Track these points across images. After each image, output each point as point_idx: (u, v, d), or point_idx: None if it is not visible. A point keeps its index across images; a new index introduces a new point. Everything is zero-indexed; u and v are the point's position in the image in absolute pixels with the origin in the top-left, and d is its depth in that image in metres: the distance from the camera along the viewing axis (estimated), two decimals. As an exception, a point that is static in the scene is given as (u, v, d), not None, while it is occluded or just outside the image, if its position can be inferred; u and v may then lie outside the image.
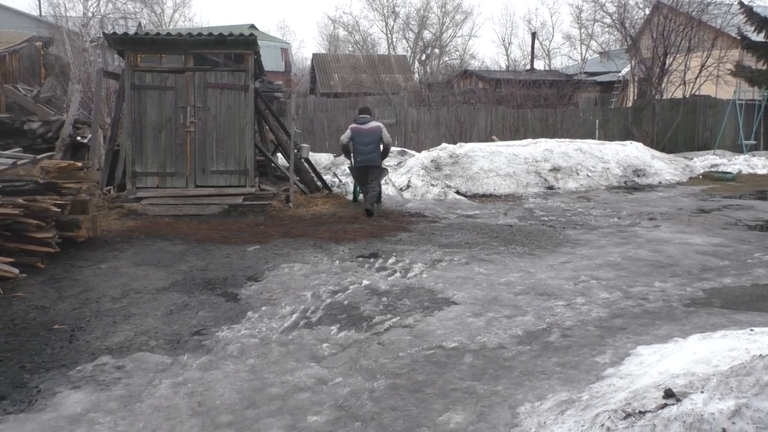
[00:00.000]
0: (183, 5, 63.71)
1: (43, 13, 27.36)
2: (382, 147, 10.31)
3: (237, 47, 10.57)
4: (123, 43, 10.28)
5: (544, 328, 4.86)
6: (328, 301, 5.56)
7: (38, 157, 7.24)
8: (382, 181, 11.67)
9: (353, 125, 10.30)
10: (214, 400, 3.70)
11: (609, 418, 2.71)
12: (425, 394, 3.77)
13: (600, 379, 3.84)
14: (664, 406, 2.65)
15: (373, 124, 10.27)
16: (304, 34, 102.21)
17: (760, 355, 2.71)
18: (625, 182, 14.08)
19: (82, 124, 12.45)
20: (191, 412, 3.57)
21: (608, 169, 14.25)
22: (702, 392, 2.55)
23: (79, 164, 7.74)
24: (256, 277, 6.34)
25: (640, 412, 2.65)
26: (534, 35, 39.82)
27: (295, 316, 5.17)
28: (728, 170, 15.94)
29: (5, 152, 7.40)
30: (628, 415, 2.67)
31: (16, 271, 5.91)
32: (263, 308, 5.36)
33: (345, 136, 10.38)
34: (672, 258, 7.13)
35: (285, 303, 5.50)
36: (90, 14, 22.41)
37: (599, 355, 4.29)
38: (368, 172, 10.25)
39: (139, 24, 27.97)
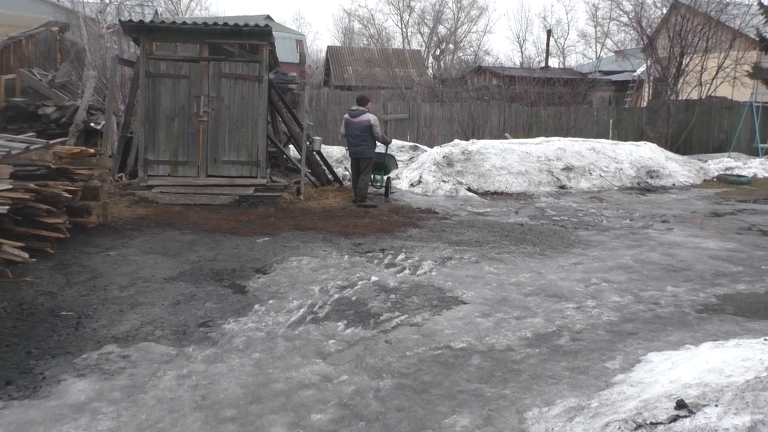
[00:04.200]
0: (200, -6, 63.77)
1: (60, -1, 27.38)
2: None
3: (252, 38, 10.51)
4: (138, 31, 10.24)
5: (554, 331, 4.78)
6: (336, 296, 5.51)
7: (51, 142, 7.22)
8: (392, 175, 11.61)
9: (346, 116, 10.42)
10: (218, 394, 3.66)
11: (619, 428, 2.64)
12: (431, 395, 3.72)
13: (610, 385, 3.77)
14: (676, 418, 2.57)
15: (364, 117, 10.17)
16: (319, 27, 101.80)
17: (778, 368, 2.63)
18: (638, 183, 13.93)
19: (96, 110, 12.47)
20: (194, 405, 3.53)
21: (621, 169, 14.09)
22: (716, 405, 2.47)
23: (92, 151, 7.72)
24: (265, 270, 6.30)
25: (652, 423, 2.58)
26: (549, 32, 39.49)
27: (302, 310, 5.12)
28: (743, 173, 15.71)
29: (18, 137, 7.39)
30: (638, 426, 2.60)
31: (26, 255, 5.89)
32: (270, 301, 5.32)
33: (342, 128, 10.66)
34: (685, 262, 7.02)
35: (292, 297, 5.45)
36: (107, 1, 22.44)
37: (609, 361, 4.22)
38: (359, 164, 10.34)
39: (156, 12, 27.96)
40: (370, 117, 10.19)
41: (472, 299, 5.50)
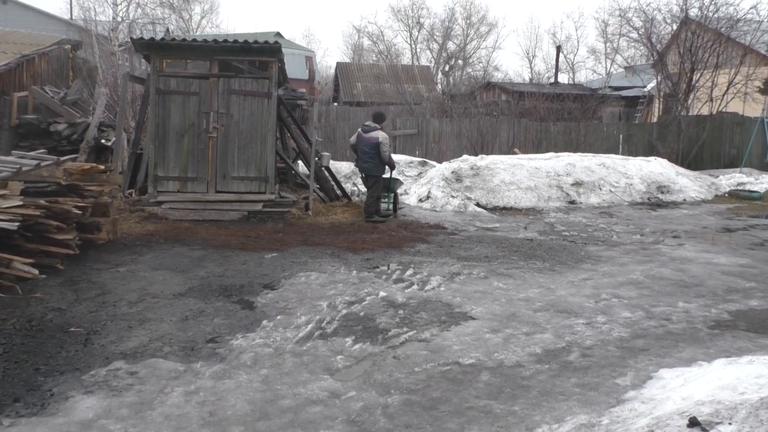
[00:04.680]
0: (211, 12, 64.62)
1: (73, 17, 27.80)
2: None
3: (261, 54, 10.60)
4: (149, 48, 10.36)
5: (564, 347, 4.75)
6: (344, 312, 5.50)
7: (62, 159, 7.29)
8: (399, 191, 11.60)
9: (359, 129, 10.44)
10: (226, 411, 3.65)
11: (630, 446, 2.60)
12: (440, 411, 3.69)
13: (621, 402, 3.73)
14: (689, 435, 2.54)
15: (374, 134, 10.16)
16: (329, 43, 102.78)
17: (791, 385, 2.59)
18: (648, 198, 13.87)
19: (107, 127, 12.60)
20: (202, 422, 3.52)
21: (631, 184, 14.04)
22: (730, 423, 2.44)
23: (102, 167, 7.79)
24: (273, 285, 6.30)
25: (664, 441, 2.55)
26: (558, 48, 39.57)
27: (310, 326, 5.11)
28: (755, 189, 15.61)
29: (29, 153, 7.47)
30: (650, 444, 2.57)
31: (36, 271, 5.93)
32: (278, 317, 5.31)
33: (352, 138, 10.71)
34: (696, 278, 6.96)
35: (300, 312, 5.44)
36: (119, 19, 22.76)
37: (620, 377, 4.18)
38: (368, 180, 10.42)
39: (167, 29, 28.29)
40: (380, 135, 10.17)
41: (481, 315, 5.47)
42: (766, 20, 20.36)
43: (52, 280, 6.09)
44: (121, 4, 23.08)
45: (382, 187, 10.42)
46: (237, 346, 4.66)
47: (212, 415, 3.60)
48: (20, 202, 5.98)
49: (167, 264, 7.03)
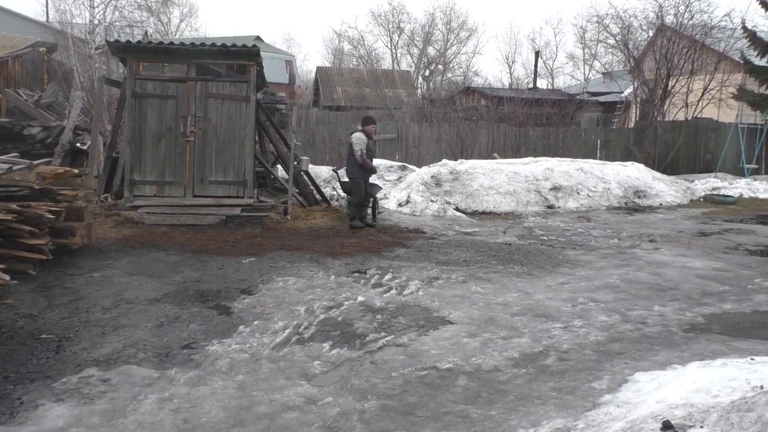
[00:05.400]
0: (190, 15, 64.32)
1: (49, 19, 27.44)
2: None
3: (240, 58, 10.55)
4: (125, 51, 10.26)
5: (541, 351, 4.76)
6: (322, 317, 5.47)
7: (35, 162, 7.17)
8: (379, 195, 11.54)
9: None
10: (200, 418, 3.60)
11: (605, 449, 2.61)
12: (417, 416, 3.68)
13: (597, 406, 3.74)
14: (662, 439, 2.55)
15: (352, 135, 10.19)
16: (309, 47, 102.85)
17: (762, 388, 2.62)
18: (625, 203, 14.01)
19: (82, 130, 12.43)
20: (176, 429, 3.47)
21: (609, 189, 14.18)
22: (702, 427, 2.45)
23: (76, 171, 7.66)
24: (250, 290, 6.25)
25: (638, 444, 2.56)
26: (537, 54, 39.98)
27: (287, 331, 5.07)
28: (729, 194, 15.86)
29: (1, 157, 7.33)
30: (624, 448, 2.58)
31: (7, 277, 5.80)
32: (255, 323, 5.27)
33: None
34: (672, 281, 7.03)
35: (278, 318, 5.40)
36: (96, 22, 22.50)
37: (596, 381, 4.20)
38: (346, 183, 10.45)
39: (146, 32, 28.05)
40: (354, 135, 10.12)
41: (459, 319, 5.47)
42: (739, 28, 20.67)
43: (24, 286, 5.98)
44: (98, 6, 22.80)
45: (362, 191, 10.07)
46: (213, 352, 4.61)
47: (186, 422, 3.55)
48: (-9, 207, 5.87)
49: (143, 269, 6.95)
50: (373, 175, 10.65)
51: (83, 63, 18.76)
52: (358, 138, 10.08)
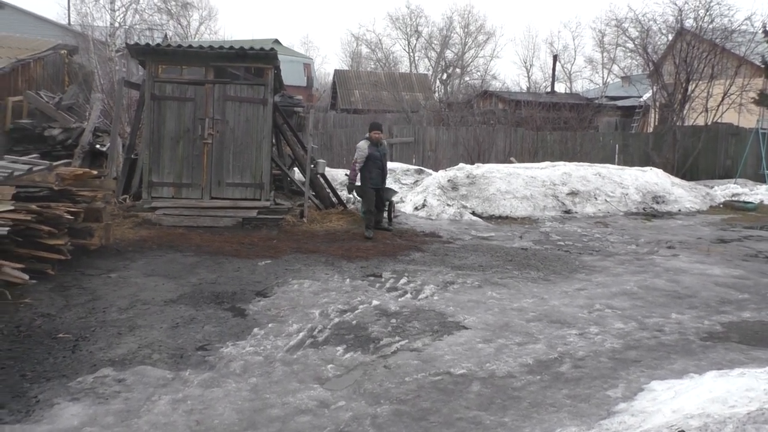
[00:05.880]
0: (209, 18, 64.70)
1: (71, 22, 27.79)
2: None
3: (257, 61, 10.60)
4: (145, 54, 10.35)
5: (556, 358, 4.73)
6: (336, 320, 5.47)
7: (54, 164, 7.26)
8: (395, 198, 11.50)
9: None
10: (213, 419, 3.62)
11: (619, 459, 2.58)
12: (430, 422, 3.66)
13: (611, 414, 3.70)
14: (678, 449, 2.51)
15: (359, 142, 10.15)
16: (327, 50, 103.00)
17: (781, 399, 2.57)
18: (643, 209, 13.87)
19: (102, 132, 12.57)
20: (188, 430, 3.49)
21: (627, 194, 14.05)
22: (718, 437, 2.41)
23: (95, 172, 7.75)
24: (265, 293, 6.27)
25: (652, 454, 2.52)
26: (555, 58, 39.74)
27: (301, 334, 5.08)
28: (750, 200, 15.64)
29: (22, 158, 7.44)
30: (639, 457, 2.54)
31: (26, 277, 5.88)
32: (270, 325, 5.28)
33: None
34: (690, 289, 6.95)
35: (292, 321, 5.41)
36: (117, 24, 22.76)
37: (611, 389, 4.16)
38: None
39: (165, 35, 28.29)
40: (359, 144, 10.08)
41: (474, 324, 5.45)
42: (760, 32, 20.41)
43: (43, 286, 6.05)
44: (118, 9, 23.07)
45: (371, 199, 9.84)
46: (227, 354, 4.63)
47: (199, 423, 3.57)
48: (11, 207, 5.95)
49: (159, 270, 7.00)
50: (389, 179, 10.60)
51: (104, 65, 18.98)
52: (360, 147, 9.98)
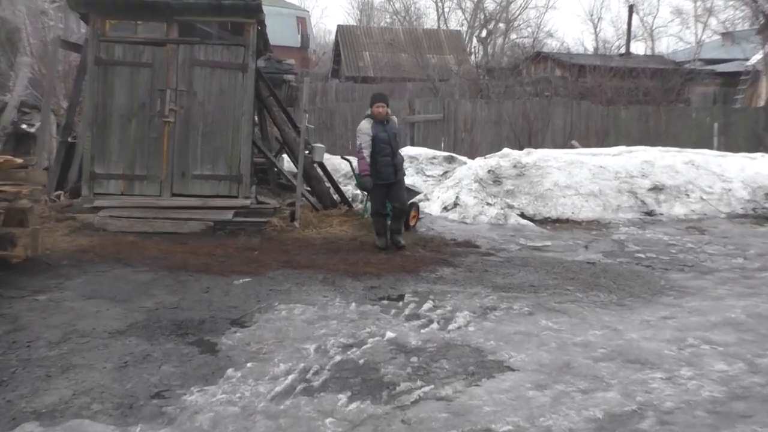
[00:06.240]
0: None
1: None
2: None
3: (235, 14, 10.65)
4: (87, 5, 10.41)
5: (635, 410, 4.67)
6: (338, 358, 5.45)
7: (-34, 149, 7.30)
8: (417, 198, 11.45)
9: None
10: (171, 493, 3.58)
11: None
12: (463, 498, 3.60)
13: (711, 489, 3.63)
14: None
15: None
16: (328, 1, 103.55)
17: None
18: (753, 209, 13.76)
19: (30, 108, 12.66)
20: (138, 507, 3.46)
21: (730, 190, 13.96)
22: None
23: (19, 161, 7.80)
24: (243, 322, 6.27)
25: None
26: (632, 8, 39.64)
27: (291, 377, 5.06)
28: None
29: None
30: None
31: (-73, 300, 5.91)
32: (249, 365, 5.27)
33: None
34: (817, 318, 6.86)
35: (279, 359, 5.40)
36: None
37: (711, 454, 4.08)
38: None
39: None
40: (359, 126, 9.60)
41: (523, 365, 5.41)
42: None
43: (-51, 312, 6.09)
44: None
45: (379, 199, 9.61)
46: (191, 403, 4.61)
47: (152, 498, 3.53)
48: None
49: (103, 291, 7.03)
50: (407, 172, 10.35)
51: (34, 20, 19.13)
52: (361, 128, 9.53)
